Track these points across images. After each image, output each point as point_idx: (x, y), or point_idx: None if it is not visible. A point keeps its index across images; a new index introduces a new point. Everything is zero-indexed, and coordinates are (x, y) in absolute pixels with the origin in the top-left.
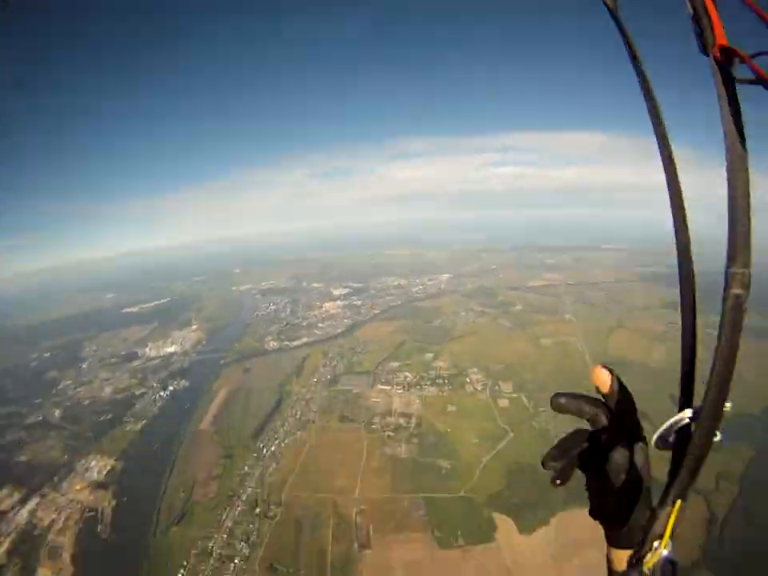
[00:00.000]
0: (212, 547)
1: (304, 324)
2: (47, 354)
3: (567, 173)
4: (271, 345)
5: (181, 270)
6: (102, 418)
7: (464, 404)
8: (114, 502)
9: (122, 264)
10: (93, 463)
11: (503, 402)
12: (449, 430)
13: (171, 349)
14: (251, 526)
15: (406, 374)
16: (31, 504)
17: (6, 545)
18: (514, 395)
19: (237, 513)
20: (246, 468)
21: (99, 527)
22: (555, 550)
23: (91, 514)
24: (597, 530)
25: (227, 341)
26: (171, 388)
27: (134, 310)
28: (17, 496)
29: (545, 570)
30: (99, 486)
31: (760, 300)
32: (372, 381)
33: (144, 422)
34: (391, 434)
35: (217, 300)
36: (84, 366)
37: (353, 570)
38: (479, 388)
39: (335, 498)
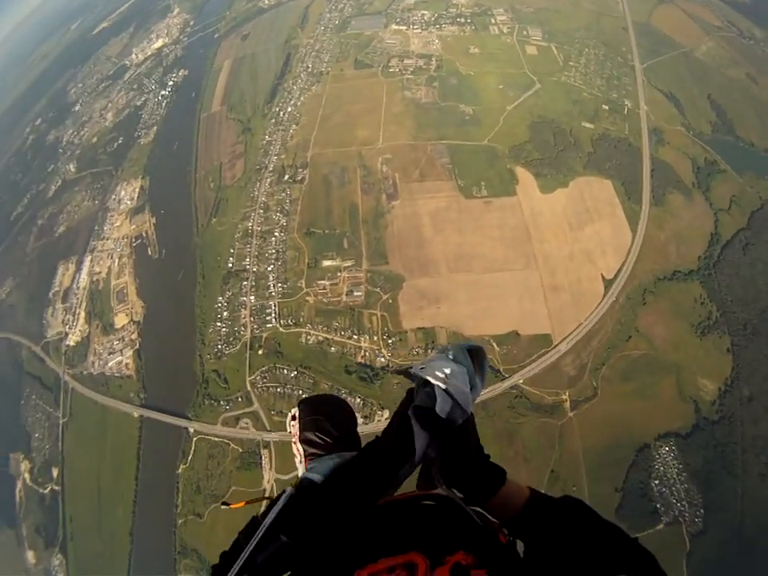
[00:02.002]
0: (251, 226)
1: None
2: (38, 121)
3: None
4: (267, 1)
5: None
6: (115, 146)
7: (488, 47)
8: (153, 220)
9: None
10: (122, 193)
11: (531, 50)
12: (471, 73)
13: (158, 44)
14: (283, 194)
15: (423, 12)
16: (86, 265)
17: (81, 315)
18: (543, 44)
19: (267, 185)
20: (267, 137)
21: (149, 250)
22: (571, 215)
23: (138, 241)
24: (611, 201)
25: (216, 12)
26: (171, 83)
27: (105, 25)
28: (72, 267)
29: (560, 235)
30: (136, 211)
31: None
32: (386, 21)
33: (155, 128)
34: (410, 76)
35: None
36: (77, 109)
37: (383, 222)
38: (505, 30)
39: (359, 149)
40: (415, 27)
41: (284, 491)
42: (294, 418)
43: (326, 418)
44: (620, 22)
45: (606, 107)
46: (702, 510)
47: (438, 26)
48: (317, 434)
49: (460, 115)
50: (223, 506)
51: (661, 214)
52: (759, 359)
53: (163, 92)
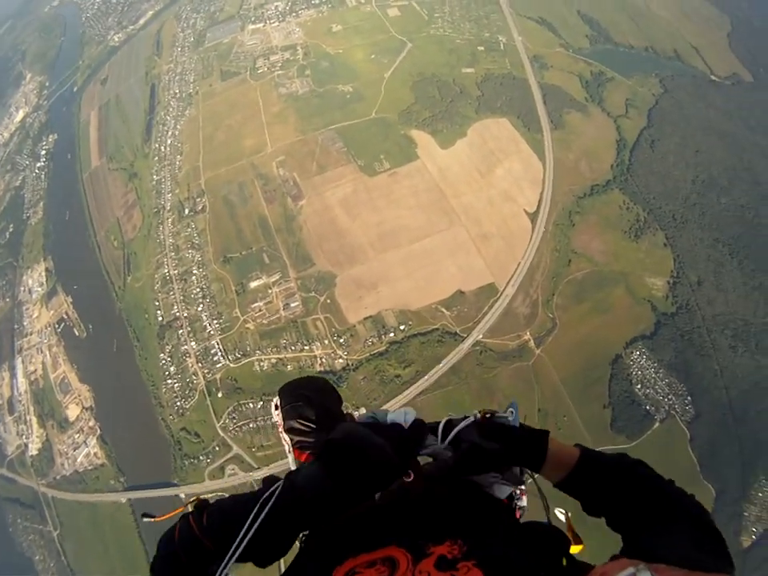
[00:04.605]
0: (168, 272)
1: None
2: None
3: None
4: (116, 39)
5: None
6: (7, 236)
7: (350, 20)
8: (69, 299)
9: None
10: (30, 282)
11: (393, 12)
12: (340, 51)
13: (20, 115)
14: (189, 229)
15: (277, 4)
16: (18, 368)
17: (33, 420)
18: (404, 3)
19: (170, 225)
20: (155, 176)
21: (75, 330)
22: (478, 162)
23: (62, 326)
24: (513, 137)
25: (69, 64)
26: (44, 152)
27: None
28: (6, 375)
29: (473, 184)
30: (49, 295)
31: None
32: (241, 24)
33: (41, 204)
34: (281, 72)
35: (34, 34)
36: None
37: (296, 225)
38: (363, 0)
39: (251, 160)
40: (272, 21)
41: (260, 489)
42: (276, 407)
43: (305, 402)
44: None
45: (482, 48)
46: (689, 398)
47: (294, 14)
48: (299, 421)
49: (341, 96)
50: (144, 519)
51: (564, 136)
52: (696, 243)
53: (39, 164)
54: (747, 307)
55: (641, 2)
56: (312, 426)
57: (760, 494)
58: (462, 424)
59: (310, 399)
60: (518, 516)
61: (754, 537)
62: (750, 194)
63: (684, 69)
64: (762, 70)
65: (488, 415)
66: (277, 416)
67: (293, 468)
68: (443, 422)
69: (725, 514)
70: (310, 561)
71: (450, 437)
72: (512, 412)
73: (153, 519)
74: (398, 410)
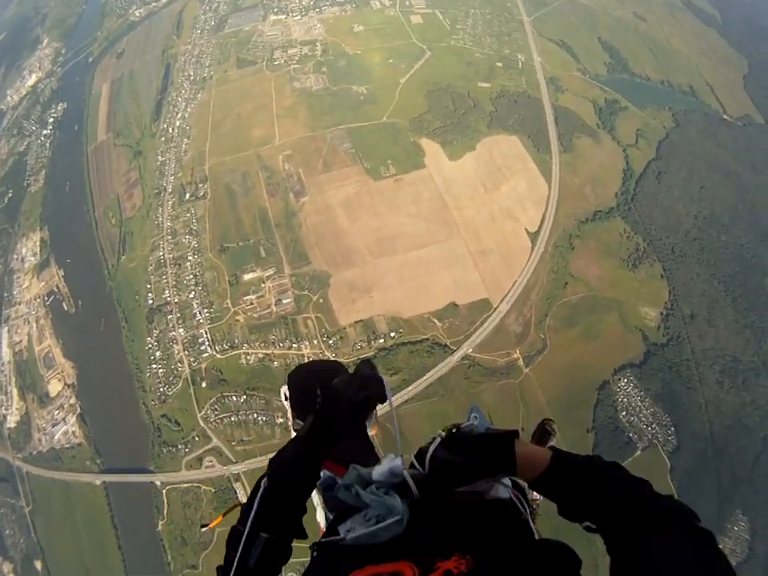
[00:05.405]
0: (163, 255)
1: None
2: None
3: None
4: (137, 14)
5: None
6: (6, 201)
7: (372, 22)
8: (62, 272)
9: None
10: (24, 250)
11: (416, 18)
12: (359, 52)
13: (32, 80)
14: (188, 214)
15: None
16: (4, 337)
17: (14, 392)
18: (428, 11)
19: (170, 208)
20: (160, 157)
21: (64, 305)
22: (484, 177)
23: (51, 299)
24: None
25: (87, 33)
26: (51, 120)
27: None
28: None
29: (477, 198)
30: (42, 267)
31: None
32: (263, 13)
33: (43, 172)
34: (297, 66)
35: None
36: None
37: (296, 221)
38: (387, 3)
39: (258, 151)
40: (294, 14)
41: (258, 485)
42: (285, 397)
43: (313, 398)
44: None
45: (500, 64)
46: (672, 428)
47: (317, 10)
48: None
49: (354, 97)
50: (203, 528)
51: (572, 160)
52: (692, 277)
53: (45, 131)
54: (737, 345)
55: (662, 35)
56: None
57: (735, 528)
58: (431, 448)
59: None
60: (533, 517)
61: None
62: (749, 234)
63: (697, 105)
64: None
65: (453, 430)
66: (286, 405)
67: None
68: (413, 455)
69: None
70: (318, 573)
71: (426, 465)
72: (476, 417)
73: (207, 527)
74: (382, 470)
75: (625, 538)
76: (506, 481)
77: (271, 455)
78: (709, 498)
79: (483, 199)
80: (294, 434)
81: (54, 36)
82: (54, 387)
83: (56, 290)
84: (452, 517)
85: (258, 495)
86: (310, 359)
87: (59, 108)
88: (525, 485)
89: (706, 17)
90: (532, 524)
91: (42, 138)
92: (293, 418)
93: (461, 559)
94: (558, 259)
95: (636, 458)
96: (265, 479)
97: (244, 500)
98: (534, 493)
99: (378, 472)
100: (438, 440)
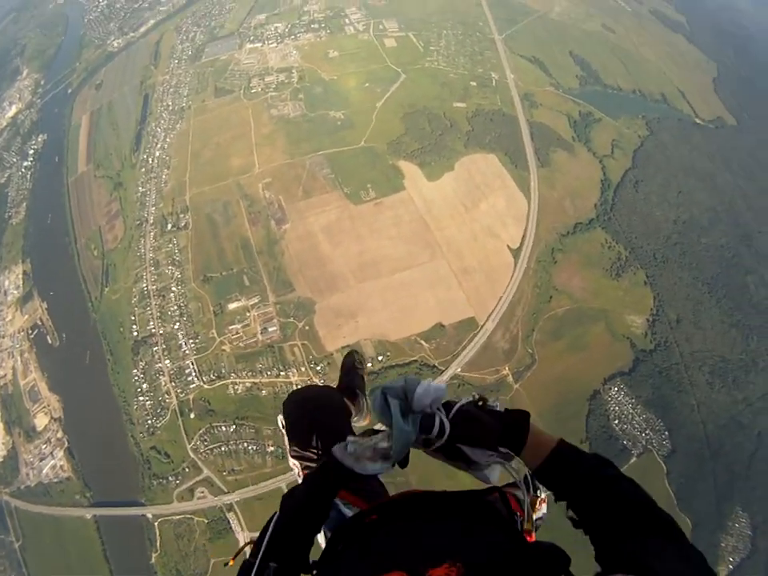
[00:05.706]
0: (146, 287)
1: (145, 4)
2: None
3: None
4: (115, 44)
5: None
6: None
7: (346, 47)
8: (45, 305)
9: None
10: (6, 283)
11: (390, 42)
12: (335, 77)
13: (12, 111)
14: (171, 245)
15: (276, 25)
16: None
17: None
18: (401, 34)
19: (152, 239)
20: (141, 188)
21: (48, 338)
22: (464, 196)
23: (35, 332)
24: (500, 173)
25: (66, 64)
26: (32, 151)
27: None
28: None
29: (457, 218)
30: (25, 299)
31: None
32: (240, 42)
33: (24, 204)
34: (274, 93)
35: (36, 30)
36: None
37: (278, 249)
38: (361, 28)
39: (237, 180)
40: (270, 42)
41: (270, 522)
42: (282, 425)
43: (310, 425)
44: None
45: (474, 83)
46: (666, 433)
47: (293, 37)
48: (306, 447)
49: (332, 122)
50: (225, 566)
51: (549, 174)
52: (675, 282)
53: (26, 163)
54: (725, 344)
55: (631, 45)
56: (318, 452)
57: (736, 525)
58: (462, 400)
59: (315, 423)
60: (533, 529)
61: (730, 567)
62: (729, 235)
63: (670, 111)
64: (746, 114)
65: (480, 402)
66: (283, 433)
67: None
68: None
69: (702, 545)
70: None
71: (453, 411)
72: (495, 401)
73: (229, 564)
74: (429, 384)
75: (616, 539)
76: (506, 453)
77: (263, 484)
78: (708, 498)
79: (464, 218)
80: (291, 461)
81: (34, 67)
82: (41, 421)
83: (40, 323)
84: (442, 525)
85: (270, 530)
86: (304, 385)
87: (39, 139)
88: (524, 491)
89: (673, 23)
90: (527, 526)
91: (23, 170)
92: (289, 445)
93: (451, 567)
94: (541, 274)
95: (631, 465)
96: (276, 516)
97: (237, 529)
98: (539, 504)
99: (422, 386)
100: (470, 398)
